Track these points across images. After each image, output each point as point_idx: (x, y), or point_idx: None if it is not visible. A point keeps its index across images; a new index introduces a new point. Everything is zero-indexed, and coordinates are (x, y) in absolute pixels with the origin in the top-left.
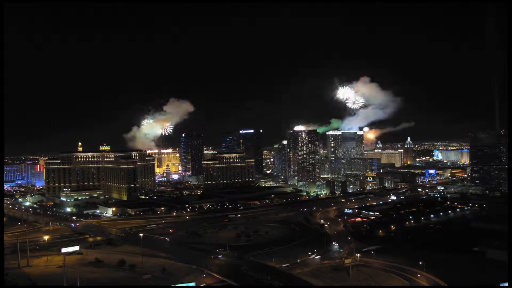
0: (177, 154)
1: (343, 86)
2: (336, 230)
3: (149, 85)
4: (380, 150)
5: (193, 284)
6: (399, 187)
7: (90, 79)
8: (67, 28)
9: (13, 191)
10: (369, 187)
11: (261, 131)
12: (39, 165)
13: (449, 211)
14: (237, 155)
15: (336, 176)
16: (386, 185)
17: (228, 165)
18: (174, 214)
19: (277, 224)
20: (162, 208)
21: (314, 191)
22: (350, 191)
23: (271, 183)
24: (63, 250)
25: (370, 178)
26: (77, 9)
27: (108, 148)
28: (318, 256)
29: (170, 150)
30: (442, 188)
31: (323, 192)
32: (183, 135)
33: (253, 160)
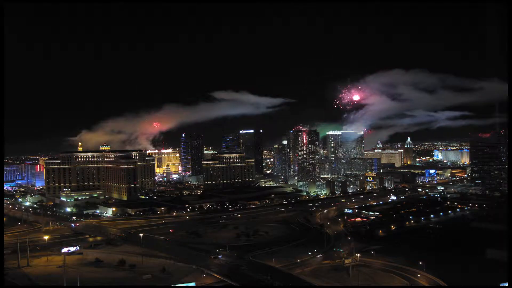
0: (177, 154)
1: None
2: (336, 230)
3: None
4: (380, 150)
5: (193, 284)
6: (399, 187)
7: (99, 79)
8: (69, 30)
9: (13, 191)
10: (369, 187)
11: (261, 131)
12: (39, 165)
13: (449, 211)
14: (237, 155)
15: (336, 176)
16: (386, 185)
17: (228, 165)
18: (174, 214)
19: (277, 224)
20: (162, 208)
21: (314, 191)
22: (350, 191)
23: (271, 183)
24: (63, 250)
25: (370, 178)
26: (80, 10)
27: (108, 148)
28: (318, 256)
29: (170, 150)
30: (442, 188)
31: (323, 192)
32: (183, 135)
33: (253, 160)
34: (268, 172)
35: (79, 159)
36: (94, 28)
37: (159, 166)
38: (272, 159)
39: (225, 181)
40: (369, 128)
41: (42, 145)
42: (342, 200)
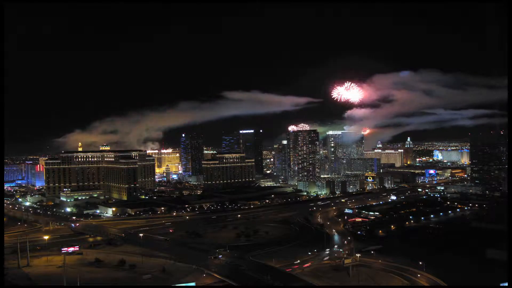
0: (177, 154)
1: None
2: (336, 230)
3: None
4: (380, 150)
5: (193, 284)
6: (399, 187)
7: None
8: (69, 27)
9: (13, 191)
10: (369, 187)
11: (261, 131)
12: (39, 165)
13: (449, 211)
14: (237, 155)
15: (336, 176)
16: (386, 185)
17: (228, 165)
18: (174, 214)
19: (277, 224)
20: (162, 208)
21: (314, 191)
22: (350, 191)
23: (271, 183)
24: (63, 250)
25: (370, 178)
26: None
27: (108, 148)
28: (318, 256)
29: (170, 150)
30: (442, 188)
31: (323, 192)
32: (183, 135)
33: (253, 160)
34: (268, 172)
35: (79, 159)
36: (90, 27)
37: (159, 166)
38: (272, 159)
39: (225, 181)
40: (375, 127)
41: (30, 146)
42: (342, 200)
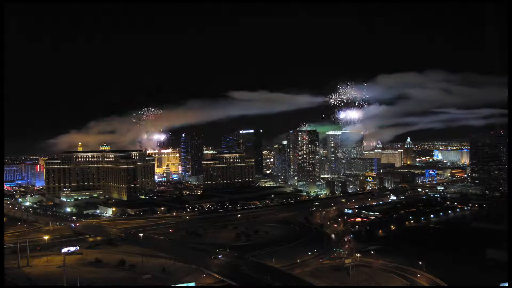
0: (177, 154)
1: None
2: (336, 230)
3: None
4: (380, 150)
5: (193, 284)
6: (399, 187)
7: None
8: (74, 28)
9: (13, 191)
10: (369, 187)
11: (261, 131)
12: (39, 165)
13: (449, 211)
14: (237, 155)
15: (336, 176)
16: (386, 185)
17: (228, 165)
18: (174, 214)
19: (277, 224)
20: (162, 208)
21: (314, 191)
22: (350, 191)
23: (271, 183)
24: (63, 250)
25: (370, 178)
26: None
27: (108, 148)
28: (318, 256)
29: (170, 150)
30: (442, 188)
31: (323, 192)
32: (183, 135)
33: (253, 160)
34: (268, 172)
35: (79, 159)
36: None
37: (159, 166)
38: (272, 159)
39: (225, 181)
40: (380, 126)
41: (26, 146)
42: (342, 200)
